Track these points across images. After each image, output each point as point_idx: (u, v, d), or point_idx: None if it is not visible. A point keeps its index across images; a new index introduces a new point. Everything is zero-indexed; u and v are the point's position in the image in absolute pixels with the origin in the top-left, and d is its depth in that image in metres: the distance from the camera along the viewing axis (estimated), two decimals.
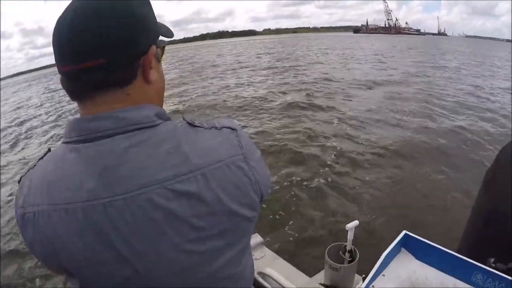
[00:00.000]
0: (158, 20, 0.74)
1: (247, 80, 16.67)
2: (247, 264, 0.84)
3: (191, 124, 0.71)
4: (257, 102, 11.16)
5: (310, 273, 1.94)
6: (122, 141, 0.63)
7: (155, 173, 0.62)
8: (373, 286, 1.12)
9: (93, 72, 0.61)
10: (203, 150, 0.67)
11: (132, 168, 0.62)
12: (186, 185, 0.63)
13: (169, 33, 0.78)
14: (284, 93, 12.50)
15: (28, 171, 0.72)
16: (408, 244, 1.26)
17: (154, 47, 0.69)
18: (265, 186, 0.79)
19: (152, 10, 0.71)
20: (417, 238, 1.23)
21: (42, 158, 0.72)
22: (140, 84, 0.69)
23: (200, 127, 0.72)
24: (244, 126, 8.31)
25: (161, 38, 0.75)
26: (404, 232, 1.25)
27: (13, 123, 13.33)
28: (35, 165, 0.72)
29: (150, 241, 0.63)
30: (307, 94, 11.97)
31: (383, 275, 1.17)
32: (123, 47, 0.62)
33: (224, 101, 11.73)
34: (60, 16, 0.63)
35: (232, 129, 0.75)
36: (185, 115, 0.75)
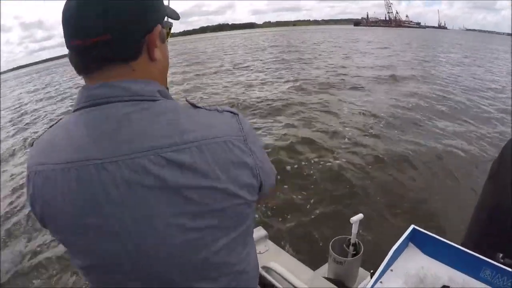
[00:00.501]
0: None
1: (256, 75, 15.98)
2: (250, 259, 0.82)
3: (193, 105, 0.74)
4: (268, 98, 10.78)
5: (314, 266, 1.94)
6: (124, 108, 0.66)
7: (151, 140, 0.63)
8: (381, 282, 1.11)
9: (100, 47, 0.64)
10: (201, 125, 0.69)
11: (130, 133, 0.64)
12: (181, 155, 0.64)
13: (175, 15, 0.82)
14: (296, 87, 12.22)
15: (40, 136, 0.75)
16: (416, 239, 1.24)
17: (159, 26, 0.72)
18: (266, 175, 0.80)
19: None
20: (425, 233, 1.21)
21: (53, 125, 0.75)
22: (145, 61, 0.71)
23: (201, 108, 0.74)
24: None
25: (168, 20, 0.80)
26: (412, 226, 1.24)
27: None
28: (47, 130, 0.75)
29: (140, 209, 0.63)
30: (319, 88, 11.87)
31: (391, 270, 1.15)
32: (129, 24, 0.65)
33: (237, 98, 11.14)
34: None
35: (234, 113, 0.77)
36: (188, 99, 0.77)
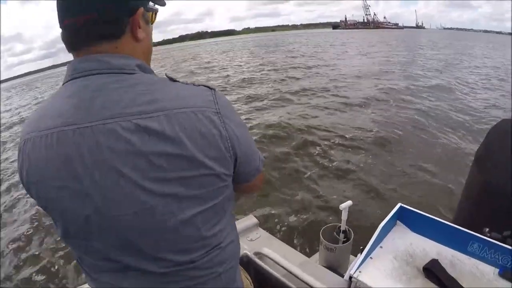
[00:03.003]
0: None
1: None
2: (225, 236, 0.83)
3: (171, 79, 0.77)
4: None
5: (306, 255, 1.94)
6: (102, 79, 0.70)
7: (123, 108, 0.67)
8: (371, 257, 1.12)
9: (87, 25, 0.69)
10: (172, 96, 0.71)
11: (104, 101, 0.68)
12: (149, 122, 0.66)
13: (161, 1, 0.87)
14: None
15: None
16: (403, 217, 1.27)
17: (142, 8, 0.76)
18: (245, 153, 0.81)
19: None
20: (412, 210, 1.24)
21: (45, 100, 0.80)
22: (128, 41, 0.75)
23: (178, 81, 0.77)
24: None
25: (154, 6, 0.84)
26: (399, 204, 1.25)
27: None
28: (39, 106, 0.80)
29: (111, 173, 0.66)
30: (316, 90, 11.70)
31: (381, 247, 1.17)
32: (113, 4, 0.71)
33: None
34: None
35: (210, 88, 0.78)
36: (168, 72, 0.80)
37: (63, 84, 0.75)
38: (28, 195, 0.79)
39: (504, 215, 1.25)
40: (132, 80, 0.71)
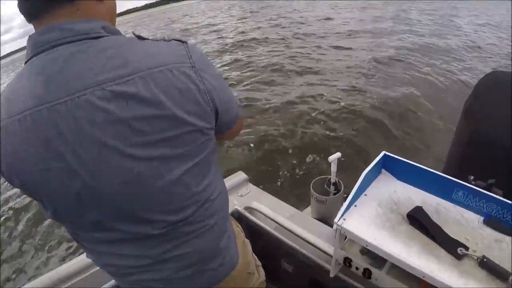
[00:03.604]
0: None
1: None
2: (213, 189, 0.85)
3: (139, 37, 0.73)
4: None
5: (298, 209, 1.97)
6: (68, 49, 0.65)
7: (95, 76, 0.63)
8: (355, 205, 1.14)
9: None
10: (145, 56, 0.68)
11: (75, 72, 0.64)
12: (124, 86, 0.64)
13: None
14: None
15: None
16: (388, 165, 1.27)
17: None
18: (224, 103, 0.80)
19: None
20: (397, 158, 1.24)
21: (8, 83, 0.74)
22: (90, 1, 0.70)
23: (147, 39, 0.73)
24: None
25: None
26: (383, 152, 1.25)
27: None
28: (3, 90, 0.73)
29: (93, 146, 0.65)
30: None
31: (365, 195, 1.18)
32: None
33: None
34: None
35: (182, 41, 0.76)
36: (135, 30, 0.76)
37: (26, 62, 0.69)
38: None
39: (490, 164, 1.27)
40: (100, 45, 0.67)
